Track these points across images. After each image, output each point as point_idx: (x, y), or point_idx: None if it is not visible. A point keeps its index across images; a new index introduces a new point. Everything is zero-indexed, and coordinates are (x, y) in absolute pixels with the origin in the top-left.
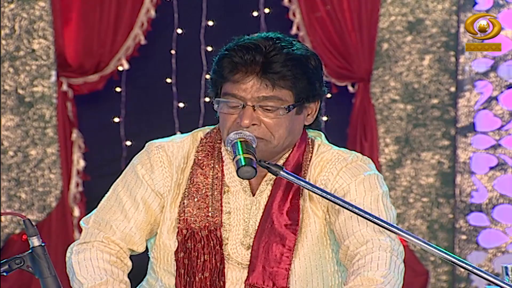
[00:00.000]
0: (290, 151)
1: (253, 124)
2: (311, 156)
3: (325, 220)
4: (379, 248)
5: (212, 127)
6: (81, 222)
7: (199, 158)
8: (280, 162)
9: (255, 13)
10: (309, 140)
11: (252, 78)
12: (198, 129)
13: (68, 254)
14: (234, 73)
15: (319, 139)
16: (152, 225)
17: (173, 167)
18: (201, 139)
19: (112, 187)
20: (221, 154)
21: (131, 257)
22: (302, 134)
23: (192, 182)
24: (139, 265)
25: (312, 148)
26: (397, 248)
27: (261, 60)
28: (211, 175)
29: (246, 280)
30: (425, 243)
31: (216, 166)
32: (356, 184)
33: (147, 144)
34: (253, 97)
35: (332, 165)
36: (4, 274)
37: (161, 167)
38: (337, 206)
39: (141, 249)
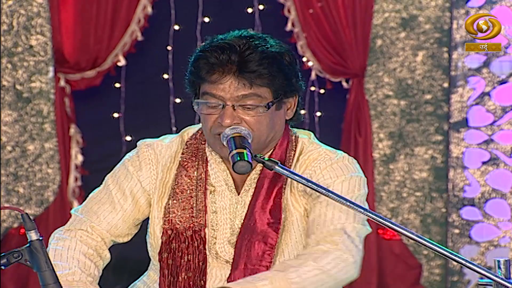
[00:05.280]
0: (273, 149)
1: (235, 123)
2: (294, 154)
3: (306, 218)
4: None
5: (199, 126)
6: (72, 210)
7: (184, 160)
8: None
9: (250, 10)
10: (293, 137)
11: (230, 78)
12: (187, 128)
13: (50, 239)
14: (211, 73)
15: (305, 137)
16: (137, 218)
17: (160, 166)
18: (187, 141)
19: (103, 180)
20: (206, 155)
21: (134, 249)
22: (284, 131)
23: (177, 183)
24: (146, 259)
25: (296, 145)
26: (355, 245)
27: (236, 60)
28: (195, 176)
29: (228, 278)
30: (418, 237)
31: (200, 167)
32: (335, 184)
33: (138, 143)
34: (232, 96)
35: (316, 163)
36: (2, 267)
37: (148, 165)
38: (312, 204)
39: (125, 239)
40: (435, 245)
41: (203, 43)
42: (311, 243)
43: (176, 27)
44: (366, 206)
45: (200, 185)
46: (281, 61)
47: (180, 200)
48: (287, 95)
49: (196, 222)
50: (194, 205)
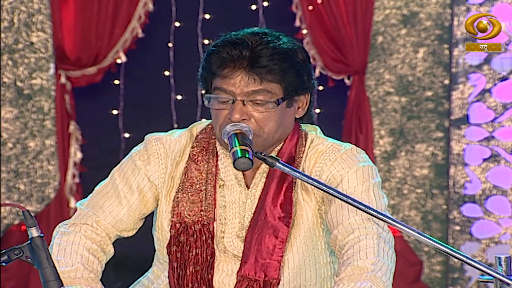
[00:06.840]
0: (282, 144)
1: (244, 119)
2: (304, 149)
3: (318, 212)
4: (366, 236)
5: (209, 121)
6: (77, 203)
7: (194, 153)
8: (273, 154)
9: (253, 7)
10: (302, 133)
11: (240, 73)
12: (195, 123)
13: (54, 233)
14: (223, 68)
15: (313, 132)
16: (143, 213)
17: (169, 160)
18: (196, 135)
19: (110, 174)
20: (216, 149)
21: (136, 243)
22: (294, 126)
23: (186, 177)
24: (146, 256)
25: (305, 140)
26: (385, 235)
27: (248, 55)
28: (205, 170)
29: (238, 272)
30: (419, 233)
31: (211, 161)
32: (349, 174)
33: (146, 137)
34: (242, 91)
35: (326, 156)
36: (3, 264)
37: (157, 159)
38: (330, 197)
39: (130, 234)
40: (436, 242)
41: (217, 39)
42: (339, 237)
43: (177, 24)
44: (383, 195)
45: (210, 179)
46: (293, 58)
47: (189, 194)
48: (299, 92)
49: (205, 216)
50: (204, 198)
